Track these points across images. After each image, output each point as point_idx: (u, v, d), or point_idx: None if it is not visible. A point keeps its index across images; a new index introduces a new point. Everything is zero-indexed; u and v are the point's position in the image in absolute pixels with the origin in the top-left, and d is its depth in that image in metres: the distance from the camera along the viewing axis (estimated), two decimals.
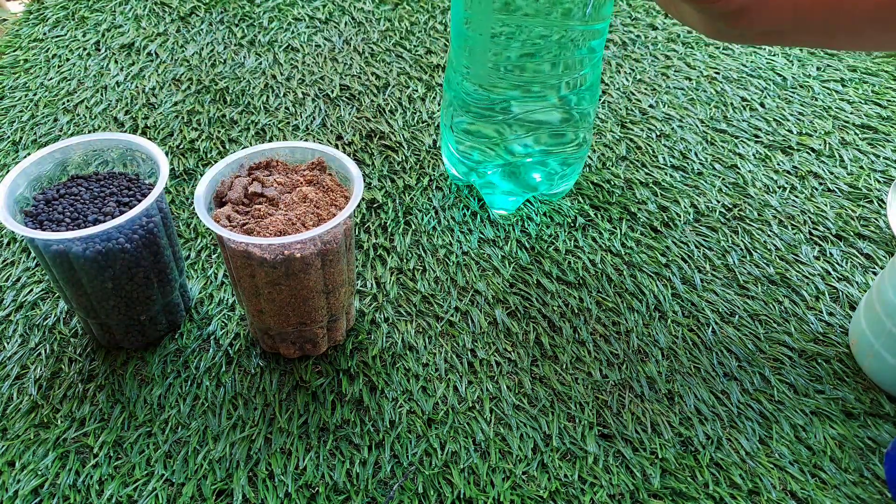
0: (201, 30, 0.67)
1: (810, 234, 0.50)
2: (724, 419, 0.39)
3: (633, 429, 0.39)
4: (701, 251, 0.49)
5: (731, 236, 0.50)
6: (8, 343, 0.43)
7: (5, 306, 0.45)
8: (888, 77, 0.62)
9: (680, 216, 0.51)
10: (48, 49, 0.65)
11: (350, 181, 0.40)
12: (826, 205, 0.52)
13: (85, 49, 0.65)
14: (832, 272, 0.47)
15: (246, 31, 0.67)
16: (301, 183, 0.41)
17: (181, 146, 0.56)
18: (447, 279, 0.46)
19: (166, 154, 0.54)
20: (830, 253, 0.48)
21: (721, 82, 0.62)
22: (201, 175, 0.54)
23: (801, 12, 0.31)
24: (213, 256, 0.48)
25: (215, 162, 0.55)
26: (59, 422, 0.39)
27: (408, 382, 0.41)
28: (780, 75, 0.63)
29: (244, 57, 0.64)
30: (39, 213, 0.40)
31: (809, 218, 0.51)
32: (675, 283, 0.46)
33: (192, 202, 0.52)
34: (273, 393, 0.40)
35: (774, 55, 0.65)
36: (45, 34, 0.67)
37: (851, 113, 0.59)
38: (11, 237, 0.49)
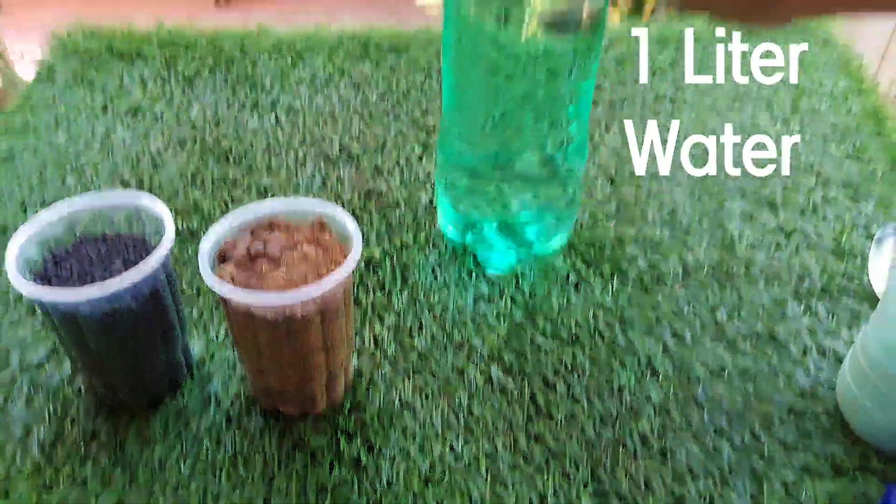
0: (206, 91, 0.69)
1: (796, 290, 0.51)
2: (716, 476, 0.40)
3: (627, 486, 0.39)
4: (691, 307, 0.50)
5: (719, 292, 0.51)
6: (13, 404, 0.43)
7: (11, 367, 0.46)
8: (868, 134, 0.65)
9: (669, 272, 0.52)
10: (58, 111, 0.67)
11: (349, 239, 0.42)
12: (811, 261, 0.53)
13: (93, 111, 0.67)
14: (819, 327, 0.48)
15: (249, 92, 0.69)
16: (302, 241, 0.42)
17: (185, 206, 0.58)
18: (443, 336, 0.48)
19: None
20: (817, 308, 0.50)
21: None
22: (204, 234, 0.55)
23: None
24: (215, 315, 0.49)
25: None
26: (61, 483, 0.39)
27: (405, 441, 0.42)
28: (764, 133, 0.65)
29: (247, 118, 0.66)
30: (48, 273, 0.42)
31: (796, 274, 0.52)
32: (666, 340, 0.48)
33: (195, 262, 0.53)
34: (272, 453, 0.41)
35: (759, 111, 0.67)
36: (55, 97, 0.69)
37: (834, 169, 0.61)
38: (18, 297, 0.50)
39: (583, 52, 0.43)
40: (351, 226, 0.42)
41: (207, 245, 0.41)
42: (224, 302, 0.41)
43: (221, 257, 0.42)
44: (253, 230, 0.43)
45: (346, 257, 0.41)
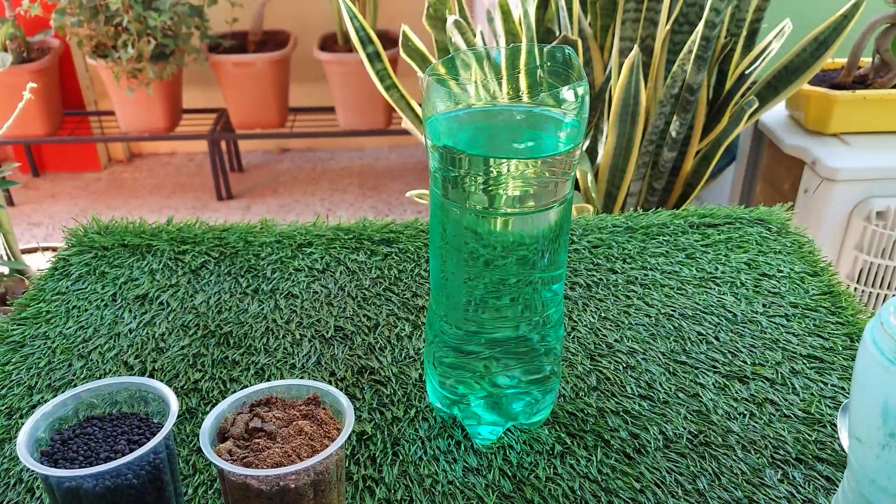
0: (210, 281, 0.75)
1: (772, 457, 0.53)
2: None
3: None
4: (672, 476, 0.52)
5: (699, 461, 0.53)
6: None
7: None
8: (826, 312, 0.70)
9: (650, 443, 0.55)
10: (69, 301, 0.72)
11: (342, 414, 0.45)
12: (784, 430, 0.56)
13: (103, 300, 0.72)
14: (796, 494, 0.50)
15: (251, 281, 0.74)
16: (297, 417, 0.45)
17: (185, 386, 0.60)
18: None
19: None
20: (793, 476, 0.52)
21: (678, 319, 0.69)
22: (203, 414, 0.58)
23: None
24: (210, 492, 0.50)
25: (216, 401, 0.59)
26: None
27: None
28: (730, 312, 0.70)
29: (248, 304, 0.71)
30: (55, 452, 0.44)
31: (770, 442, 0.55)
32: None
33: (193, 440, 0.55)
34: None
35: (724, 294, 0.73)
36: (67, 288, 0.74)
37: (798, 345, 0.65)
38: (18, 478, 0.52)
39: (550, 242, 0.48)
40: (344, 401, 0.45)
41: (209, 422, 0.44)
42: (222, 476, 0.43)
43: (222, 434, 0.45)
44: (252, 408, 0.46)
45: (339, 431, 0.44)
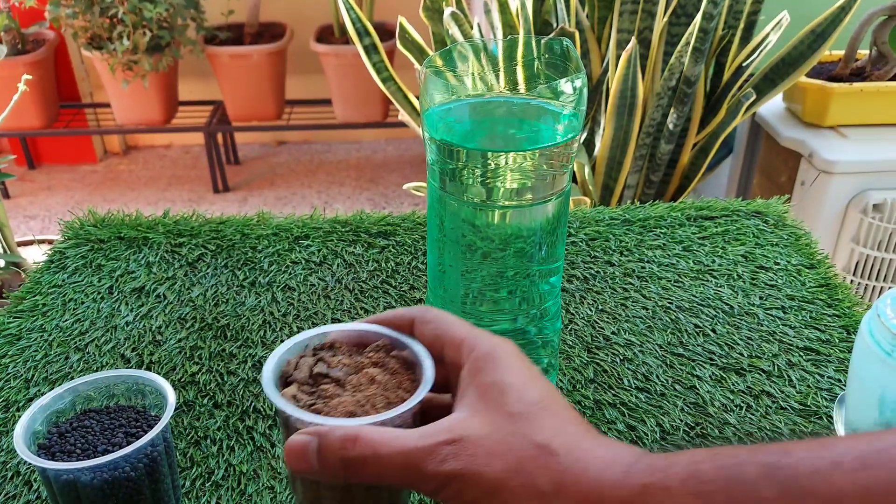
0: (207, 273, 0.74)
1: None
2: None
3: None
4: None
5: None
6: None
7: None
8: (822, 304, 0.70)
9: (647, 435, 0.55)
10: (66, 294, 0.72)
11: (416, 365, 0.39)
12: (780, 422, 0.56)
13: (99, 293, 0.72)
14: None
15: (248, 273, 0.74)
16: (367, 364, 0.39)
17: (182, 379, 0.60)
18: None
19: None
20: None
21: (675, 311, 0.69)
22: (200, 406, 0.58)
23: None
24: (207, 485, 0.50)
25: (214, 393, 0.59)
26: None
27: None
28: (727, 304, 0.70)
29: (245, 297, 0.71)
30: (52, 445, 0.44)
31: (766, 434, 0.55)
32: None
33: (191, 432, 0.55)
34: None
35: (721, 287, 0.73)
36: (64, 281, 0.74)
37: (794, 337, 0.66)
38: (15, 471, 0.52)
39: (547, 234, 0.48)
40: (422, 351, 0.39)
41: (271, 364, 0.38)
42: (286, 426, 0.37)
43: (284, 378, 0.39)
44: (315, 351, 0.40)
45: (411, 383, 0.38)
